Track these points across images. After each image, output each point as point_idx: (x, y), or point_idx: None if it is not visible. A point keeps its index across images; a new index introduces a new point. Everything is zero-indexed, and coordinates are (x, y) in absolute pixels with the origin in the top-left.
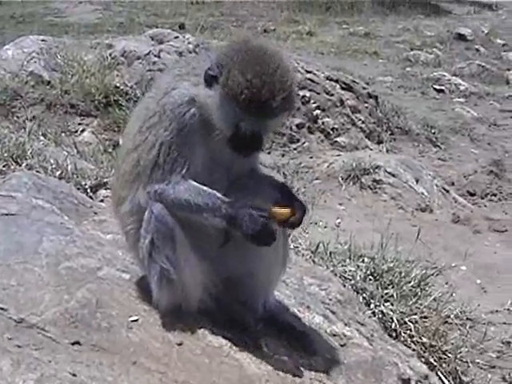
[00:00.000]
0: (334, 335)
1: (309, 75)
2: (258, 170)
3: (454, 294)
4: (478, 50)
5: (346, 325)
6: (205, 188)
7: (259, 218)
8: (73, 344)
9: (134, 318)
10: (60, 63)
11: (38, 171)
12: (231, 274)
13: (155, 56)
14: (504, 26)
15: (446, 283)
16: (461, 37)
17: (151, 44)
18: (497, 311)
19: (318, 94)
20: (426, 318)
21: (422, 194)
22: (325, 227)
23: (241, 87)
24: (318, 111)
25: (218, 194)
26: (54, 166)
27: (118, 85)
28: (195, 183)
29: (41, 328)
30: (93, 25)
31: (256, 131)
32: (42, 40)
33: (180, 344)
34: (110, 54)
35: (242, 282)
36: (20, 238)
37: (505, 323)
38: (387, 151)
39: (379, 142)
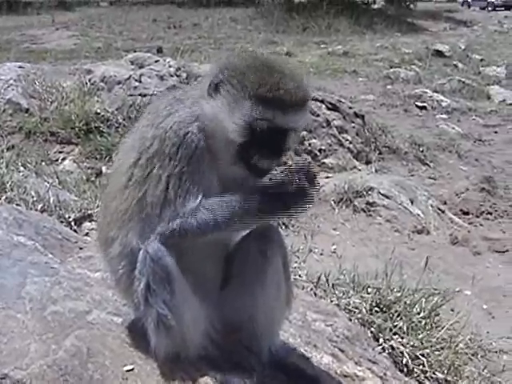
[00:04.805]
0: (346, 376)
1: None
2: None
3: (464, 323)
4: (456, 65)
5: (356, 364)
6: (220, 197)
7: (282, 179)
8: None
9: (129, 367)
10: (38, 90)
11: (18, 204)
12: (233, 316)
13: (136, 80)
14: (480, 41)
15: (452, 310)
16: (438, 53)
17: (131, 68)
18: (508, 338)
19: None
20: (437, 350)
21: (418, 215)
22: (321, 254)
23: (252, 75)
24: (304, 132)
25: (236, 196)
26: (35, 199)
27: (98, 111)
28: (210, 199)
29: None
30: (70, 51)
31: (272, 129)
32: (20, 67)
33: None
34: (90, 80)
35: (245, 325)
36: (1, 280)
37: None
38: (376, 171)
39: (367, 162)
